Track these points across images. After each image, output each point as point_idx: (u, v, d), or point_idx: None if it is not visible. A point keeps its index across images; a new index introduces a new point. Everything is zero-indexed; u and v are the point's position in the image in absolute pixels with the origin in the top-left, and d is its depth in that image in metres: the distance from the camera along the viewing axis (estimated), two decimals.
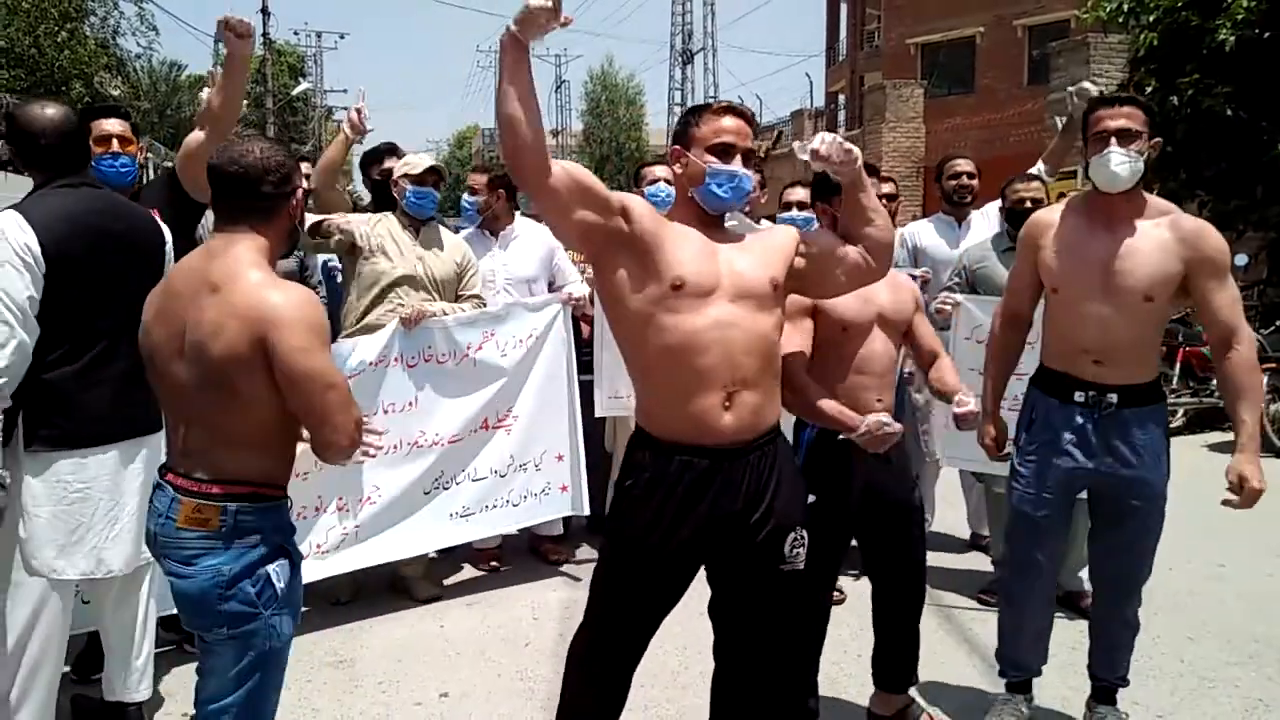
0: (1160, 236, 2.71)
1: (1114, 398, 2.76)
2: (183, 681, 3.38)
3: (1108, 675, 3.00)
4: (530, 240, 4.65)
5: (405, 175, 4.06)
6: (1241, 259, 9.00)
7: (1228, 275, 2.72)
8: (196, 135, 3.24)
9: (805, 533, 2.33)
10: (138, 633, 2.95)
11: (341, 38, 52.05)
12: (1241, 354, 2.66)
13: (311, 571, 3.75)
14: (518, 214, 4.73)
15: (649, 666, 3.43)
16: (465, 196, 4.66)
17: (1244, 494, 2.60)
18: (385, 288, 3.97)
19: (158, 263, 2.91)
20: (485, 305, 4.24)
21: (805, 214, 4.15)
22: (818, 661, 2.95)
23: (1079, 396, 2.80)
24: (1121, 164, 2.66)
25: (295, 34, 43.96)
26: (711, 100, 2.43)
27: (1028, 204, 3.88)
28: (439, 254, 4.11)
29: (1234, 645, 3.67)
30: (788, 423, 2.66)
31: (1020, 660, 3.07)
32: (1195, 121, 8.77)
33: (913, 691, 3.11)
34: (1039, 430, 2.90)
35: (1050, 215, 2.90)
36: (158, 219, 2.99)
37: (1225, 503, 2.63)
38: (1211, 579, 4.37)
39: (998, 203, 4.61)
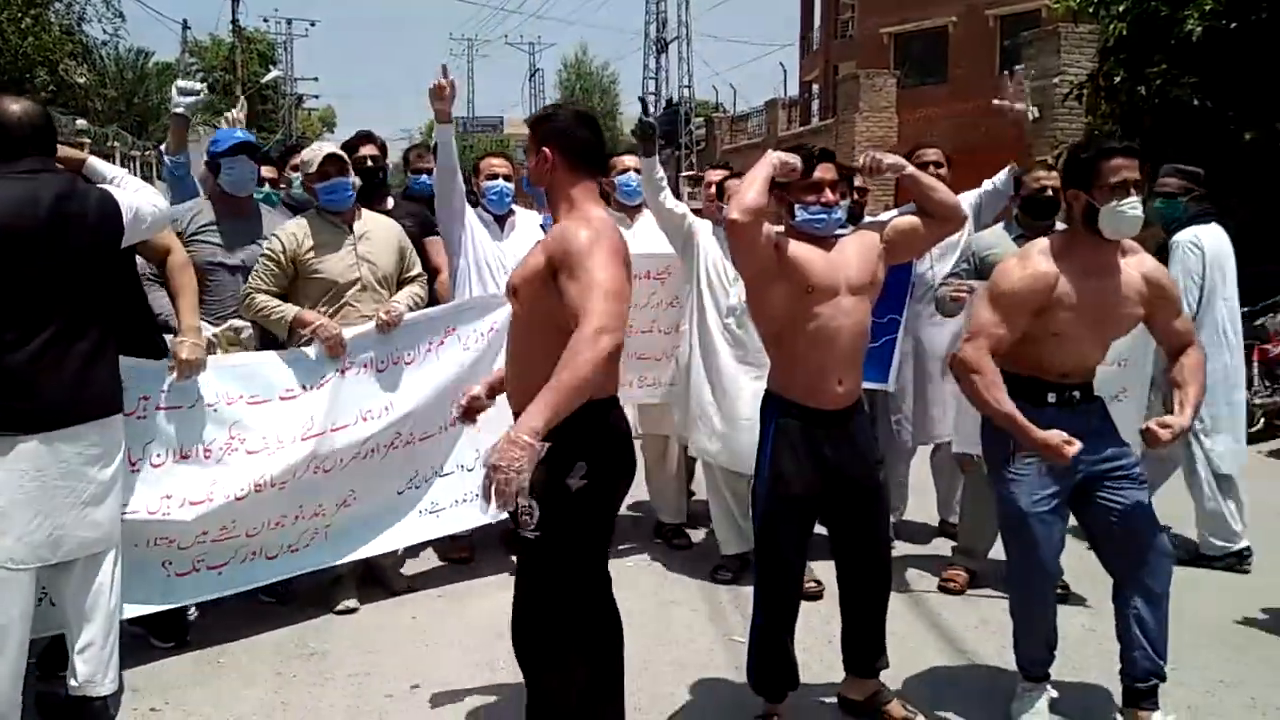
0: (1132, 279, 2.91)
1: (1078, 394, 2.96)
2: (149, 676, 3.36)
3: (1155, 667, 2.91)
4: (527, 229, 4.65)
5: (305, 176, 3.86)
6: None
7: (1180, 301, 3.08)
8: (176, 257, 3.31)
9: (535, 505, 2.30)
10: (101, 623, 2.92)
11: (312, 25, 51.22)
12: (1196, 355, 2.98)
13: (280, 570, 3.74)
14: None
15: None
16: (501, 183, 4.57)
17: (1161, 432, 2.78)
18: (334, 295, 3.81)
19: (115, 244, 2.91)
20: (425, 284, 4.13)
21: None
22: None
23: (1051, 398, 2.92)
24: (1140, 212, 2.80)
25: (265, 21, 43.49)
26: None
27: (1049, 192, 3.91)
28: (378, 249, 3.91)
29: (1197, 628, 3.72)
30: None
31: (1039, 655, 3.08)
32: (1163, 111, 8.87)
33: (892, 673, 3.13)
34: None
35: (1048, 266, 2.85)
36: (117, 200, 2.95)
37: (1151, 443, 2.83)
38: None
39: (971, 193, 4.65)
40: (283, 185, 4.72)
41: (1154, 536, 2.91)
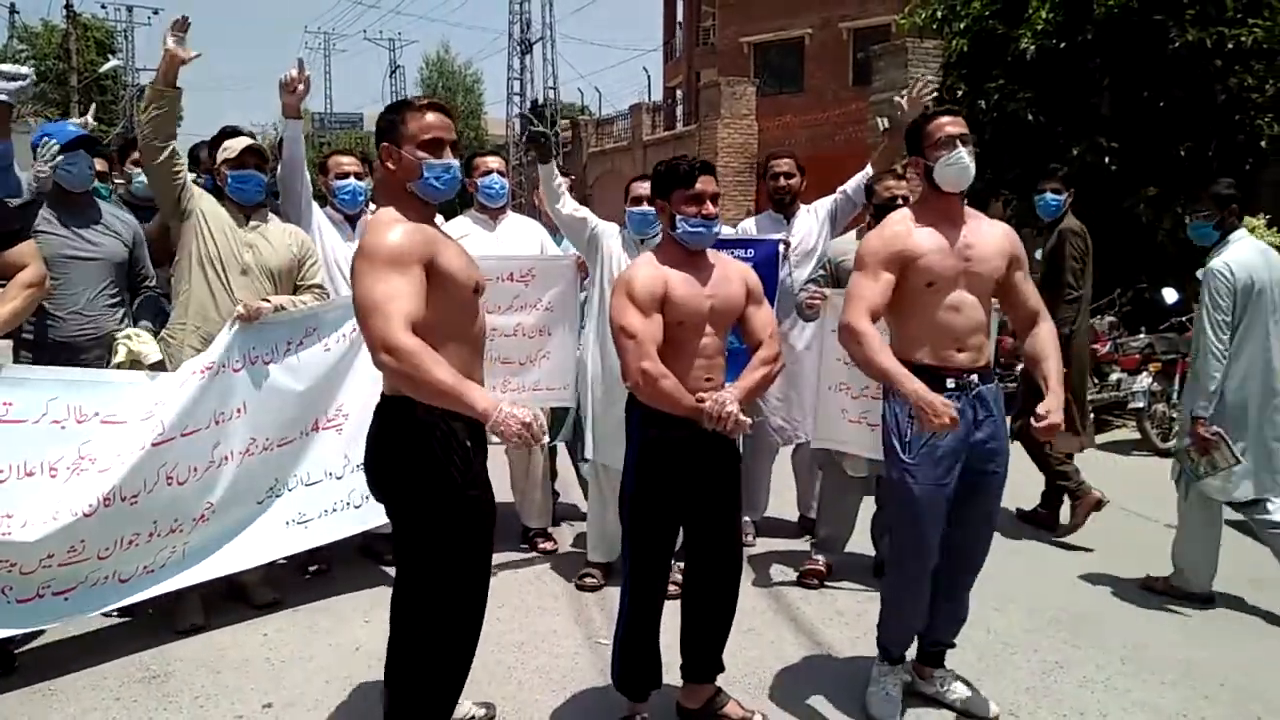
0: (990, 230, 3.06)
1: (975, 378, 2.99)
2: None
3: (948, 638, 3.23)
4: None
5: (224, 161, 3.85)
6: (1040, 253, 9.75)
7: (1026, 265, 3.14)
8: (27, 274, 3.24)
9: None
10: None
11: (155, 13, 48.46)
12: (1049, 327, 3.12)
13: (134, 592, 3.51)
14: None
15: (484, 663, 3.40)
16: (352, 182, 4.48)
17: (1045, 423, 2.91)
18: (212, 271, 3.78)
19: None
20: (326, 295, 4.07)
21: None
22: None
23: (950, 383, 2.95)
24: (969, 162, 2.93)
25: (103, 7, 40.95)
26: (414, 98, 2.55)
27: (899, 201, 4.04)
28: (272, 242, 3.90)
29: (1035, 614, 3.95)
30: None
31: (903, 637, 3.18)
32: (1000, 124, 9.38)
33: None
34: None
35: (902, 226, 2.99)
36: None
37: (1030, 430, 3.03)
38: (1014, 554, 4.69)
39: (826, 200, 4.80)
40: (120, 180, 4.48)
41: (994, 518, 3.12)
